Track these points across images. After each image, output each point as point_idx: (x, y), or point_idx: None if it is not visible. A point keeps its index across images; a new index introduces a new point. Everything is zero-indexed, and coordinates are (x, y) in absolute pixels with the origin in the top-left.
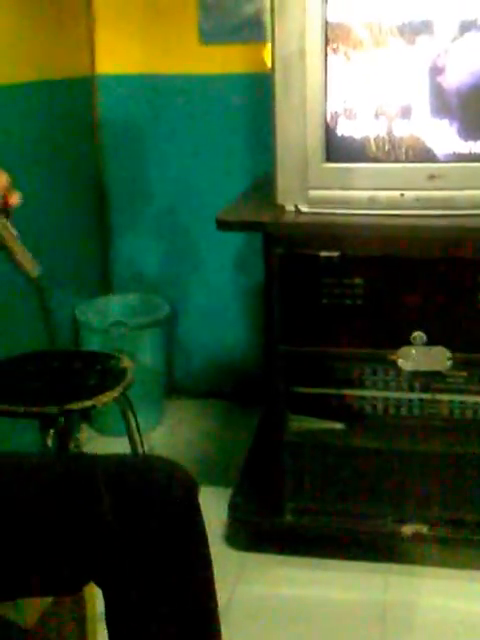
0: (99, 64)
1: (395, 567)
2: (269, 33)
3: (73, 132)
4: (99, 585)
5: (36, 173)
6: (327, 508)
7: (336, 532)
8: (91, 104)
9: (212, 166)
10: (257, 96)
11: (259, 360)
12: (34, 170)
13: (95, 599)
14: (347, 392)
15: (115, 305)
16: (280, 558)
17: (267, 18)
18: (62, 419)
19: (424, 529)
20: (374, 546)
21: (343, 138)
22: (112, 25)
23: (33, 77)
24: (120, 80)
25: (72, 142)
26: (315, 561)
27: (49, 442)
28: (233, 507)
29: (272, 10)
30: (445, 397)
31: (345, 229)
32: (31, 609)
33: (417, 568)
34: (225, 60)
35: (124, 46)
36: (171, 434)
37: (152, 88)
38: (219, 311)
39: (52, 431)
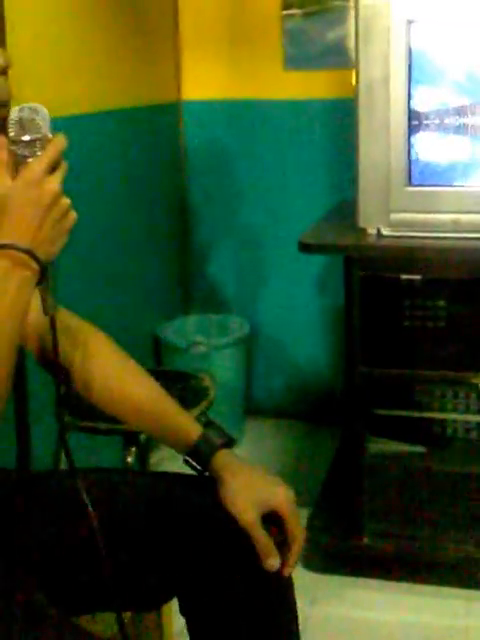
0: (185, 90)
1: (476, 593)
2: (354, 59)
3: (159, 157)
4: (181, 612)
5: (123, 197)
6: (406, 531)
7: (415, 556)
8: (177, 129)
9: (294, 190)
10: (340, 121)
11: (338, 381)
12: (120, 194)
13: (173, 615)
14: (428, 415)
15: (195, 324)
16: (357, 581)
17: (351, 45)
18: (144, 437)
19: None
20: (454, 571)
21: (426, 162)
22: (198, 52)
23: (120, 104)
24: (205, 106)
25: (157, 166)
26: (393, 585)
27: (130, 459)
28: (311, 528)
29: (357, 37)
30: None
31: (427, 252)
32: (109, 622)
33: None
34: (308, 86)
35: (209, 72)
36: (250, 453)
37: (237, 113)
38: (299, 331)
39: (134, 449)
